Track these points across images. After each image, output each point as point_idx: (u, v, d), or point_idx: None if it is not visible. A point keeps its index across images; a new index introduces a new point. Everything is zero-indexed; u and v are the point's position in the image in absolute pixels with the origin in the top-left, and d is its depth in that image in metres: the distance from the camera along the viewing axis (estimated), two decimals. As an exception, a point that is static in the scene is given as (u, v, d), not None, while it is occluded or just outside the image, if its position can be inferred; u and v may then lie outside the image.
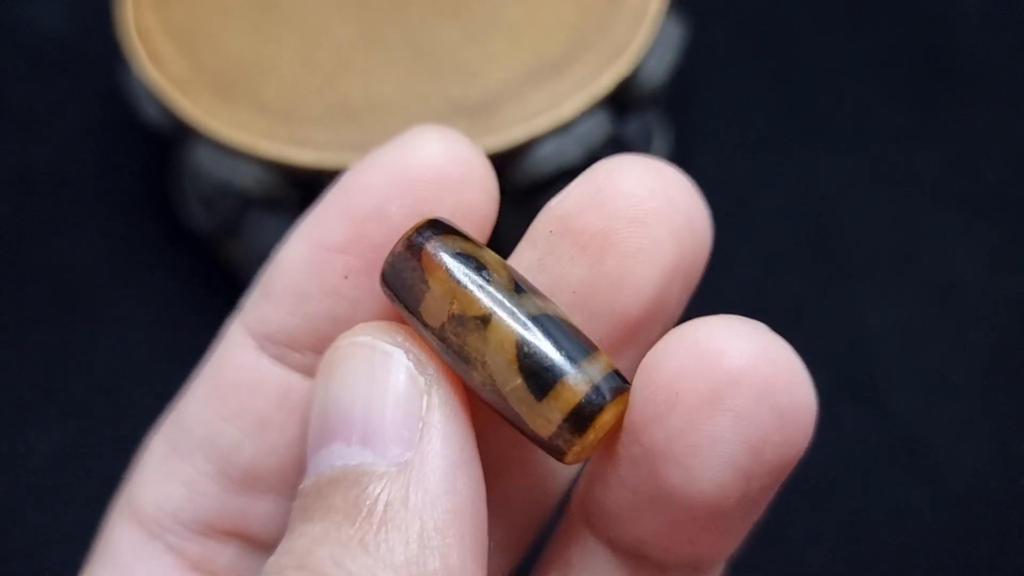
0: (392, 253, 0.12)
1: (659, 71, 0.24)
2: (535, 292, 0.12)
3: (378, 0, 0.24)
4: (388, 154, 0.13)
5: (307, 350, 0.14)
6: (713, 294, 0.27)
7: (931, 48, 0.31)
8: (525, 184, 0.23)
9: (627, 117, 0.25)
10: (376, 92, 0.23)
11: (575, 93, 0.22)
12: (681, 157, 0.29)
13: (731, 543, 0.13)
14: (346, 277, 0.13)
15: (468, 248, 0.12)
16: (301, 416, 0.14)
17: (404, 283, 0.12)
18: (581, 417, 0.11)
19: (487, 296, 0.12)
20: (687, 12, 0.28)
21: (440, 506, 0.11)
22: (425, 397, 0.12)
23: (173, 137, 0.25)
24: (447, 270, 0.12)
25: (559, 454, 0.12)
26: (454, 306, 0.12)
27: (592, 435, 0.12)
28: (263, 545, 0.14)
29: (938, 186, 0.28)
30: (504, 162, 0.22)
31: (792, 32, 0.31)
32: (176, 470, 0.14)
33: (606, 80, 0.23)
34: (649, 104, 0.25)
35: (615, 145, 0.25)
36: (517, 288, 0.12)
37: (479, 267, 0.12)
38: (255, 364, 0.14)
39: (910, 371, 0.26)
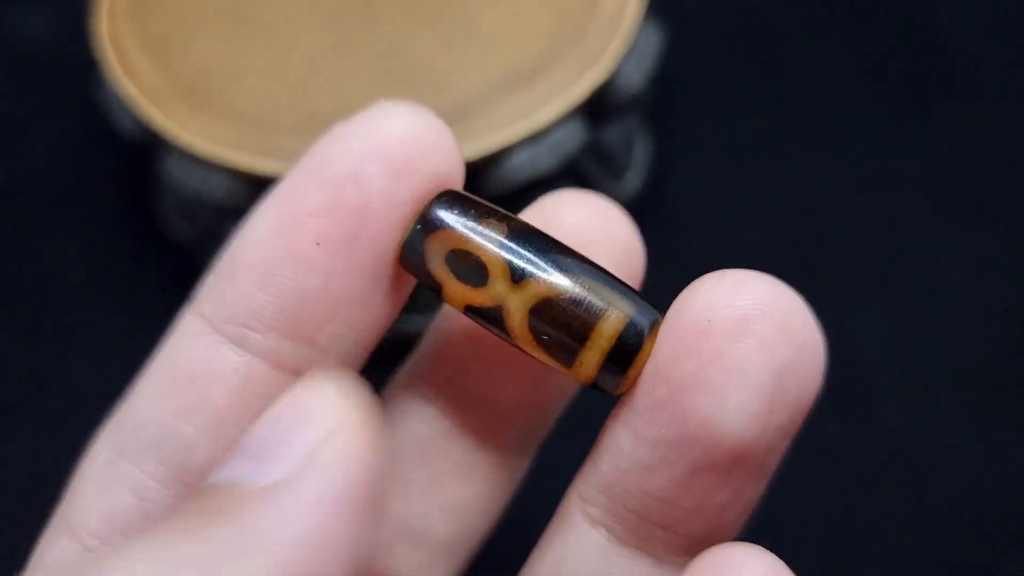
0: (411, 230, 0.13)
1: (636, 78, 0.24)
2: (556, 245, 0.13)
3: (352, 9, 0.24)
4: (358, 123, 0.13)
5: (271, 331, 0.13)
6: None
7: (919, 53, 0.30)
8: (499, 193, 0.22)
9: (606, 124, 0.25)
10: (348, 101, 0.23)
11: (549, 101, 0.22)
12: (665, 164, 0.28)
13: (737, 512, 0.14)
14: (318, 244, 0.13)
15: (485, 219, 0.13)
16: (261, 407, 0.12)
17: (418, 274, 0.13)
18: (623, 354, 0.13)
19: (512, 256, 0.13)
20: (670, 18, 0.28)
21: (290, 541, 0.10)
22: (327, 427, 0.11)
23: (147, 147, 0.24)
24: (450, 271, 0.13)
25: (612, 379, 0.13)
26: (467, 299, 0.13)
27: (634, 371, 0.13)
28: None
29: (926, 193, 0.28)
30: (477, 171, 0.22)
31: (779, 38, 0.31)
32: (122, 476, 0.13)
33: (581, 87, 0.22)
34: (628, 111, 0.25)
35: (594, 152, 0.25)
36: (538, 247, 0.13)
37: (477, 261, 0.13)
38: (211, 353, 0.13)
39: (898, 380, 0.25)
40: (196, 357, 0.13)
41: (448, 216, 0.13)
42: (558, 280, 0.13)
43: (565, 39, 0.23)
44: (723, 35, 0.31)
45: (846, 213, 0.28)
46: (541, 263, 0.13)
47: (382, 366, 0.16)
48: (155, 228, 0.28)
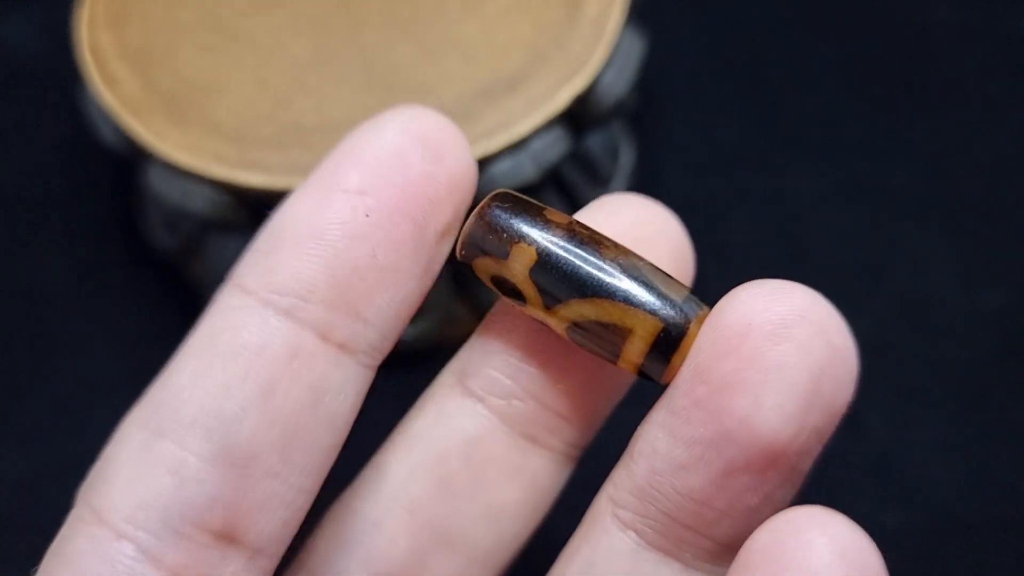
0: (469, 228, 0.14)
1: (619, 86, 0.23)
2: (603, 241, 0.14)
3: (333, 19, 0.24)
4: (389, 118, 0.14)
5: (320, 303, 0.13)
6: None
7: (904, 60, 0.30)
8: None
9: (589, 132, 0.25)
10: (328, 112, 0.22)
11: (531, 110, 0.22)
12: (650, 172, 0.28)
13: (767, 511, 0.14)
14: (368, 216, 0.13)
15: (500, 269, 0.14)
16: (309, 379, 0.13)
17: (489, 244, 0.14)
18: (669, 340, 0.13)
19: (541, 282, 0.14)
20: (654, 25, 0.27)
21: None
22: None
23: (129, 158, 0.24)
24: (528, 245, 0.14)
25: (659, 364, 0.14)
26: (535, 260, 0.14)
27: (678, 358, 0.13)
28: (249, 547, 0.13)
29: (913, 199, 0.28)
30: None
31: (764, 45, 0.31)
32: (160, 457, 0.13)
33: (563, 96, 0.22)
34: (611, 119, 0.25)
35: (577, 161, 0.25)
36: (588, 243, 0.14)
37: (513, 287, 0.14)
38: (260, 322, 0.13)
39: (884, 388, 0.25)
40: (243, 327, 0.13)
41: (478, 244, 0.14)
42: (586, 309, 0.13)
43: (547, 47, 0.23)
44: (707, 43, 0.31)
45: (830, 220, 0.28)
46: (572, 288, 0.14)
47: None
48: (139, 238, 0.28)
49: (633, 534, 0.14)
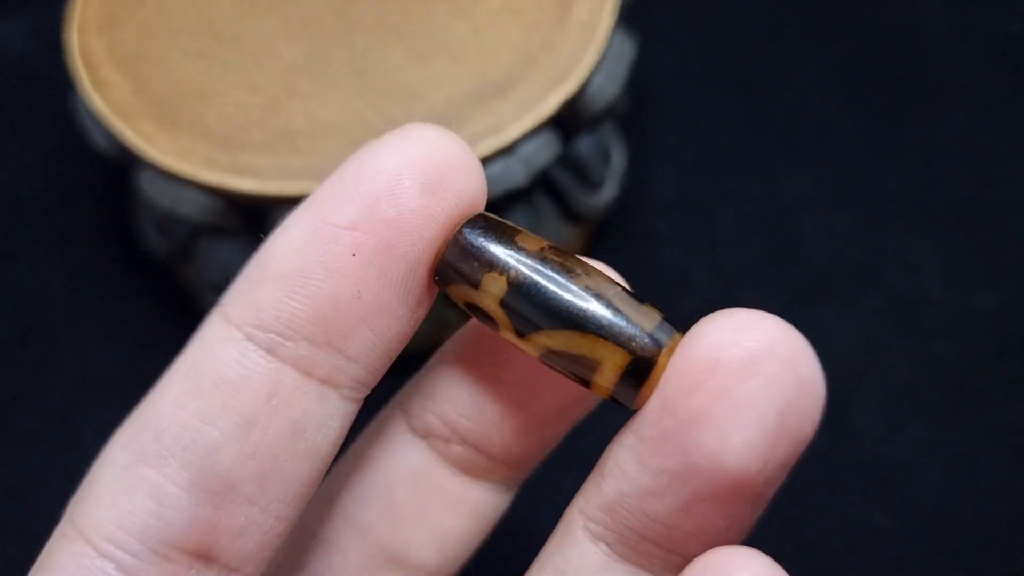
0: (444, 253, 0.13)
1: (609, 89, 0.23)
2: (575, 268, 0.13)
3: (323, 23, 0.24)
4: (390, 141, 0.13)
5: (303, 340, 0.13)
6: (673, 312, 0.27)
7: (895, 61, 0.30)
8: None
9: (579, 136, 0.25)
10: (318, 116, 0.22)
11: (520, 114, 0.22)
12: (642, 174, 0.28)
13: (733, 538, 0.14)
14: (354, 255, 0.13)
15: (473, 297, 0.13)
16: (290, 415, 0.13)
17: (460, 271, 0.13)
18: (638, 371, 0.13)
19: (513, 310, 0.13)
20: (645, 28, 0.27)
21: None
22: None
23: (121, 163, 0.24)
24: (500, 274, 0.13)
25: (629, 393, 0.13)
26: (506, 291, 0.13)
27: (648, 388, 0.13)
28: (226, 567, 0.13)
29: (902, 201, 0.28)
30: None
31: (755, 47, 0.31)
32: (141, 481, 0.13)
33: (553, 100, 0.22)
34: (601, 122, 0.25)
35: (567, 164, 0.25)
36: (560, 271, 0.13)
37: (486, 314, 0.13)
38: (241, 358, 0.13)
39: (873, 388, 0.25)
40: (224, 361, 0.13)
41: (454, 271, 0.13)
42: (557, 339, 0.13)
43: (537, 50, 0.23)
44: (699, 45, 0.31)
45: (820, 221, 0.28)
46: (543, 317, 0.13)
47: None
48: (133, 242, 0.28)
49: (604, 546, 0.14)
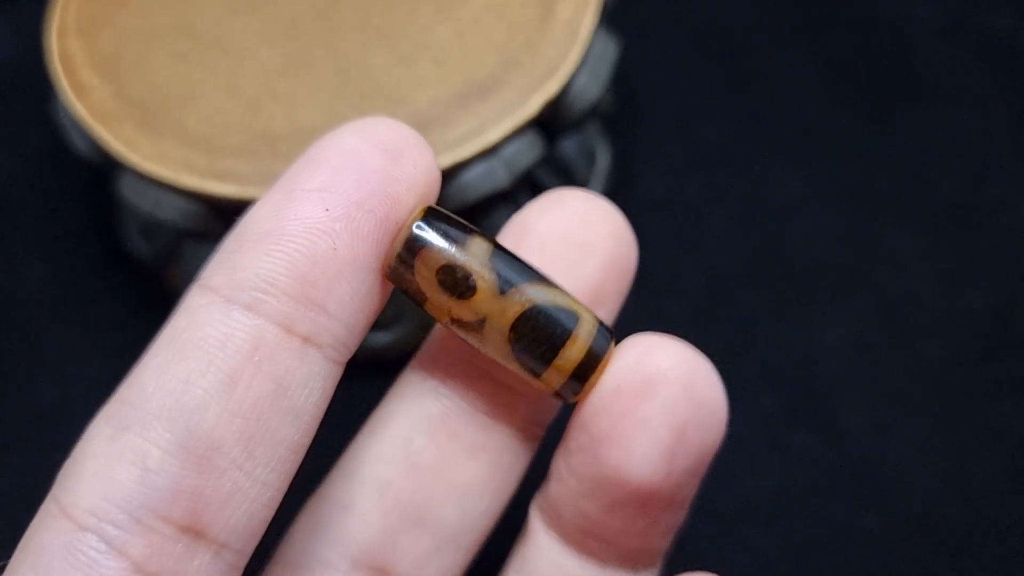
0: (393, 253, 0.14)
1: (592, 89, 0.23)
2: (526, 273, 0.14)
3: (306, 25, 0.24)
4: (350, 126, 0.14)
5: (283, 295, 0.13)
6: (662, 312, 0.27)
7: (883, 60, 0.30)
8: (453, 208, 0.22)
9: (563, 136, 0.24)
10: (300, 119, 0.22)
11: (503, 116, 0.22)
12: (627, 174, 0.28)
13: (660, 533, 0.16)
14: (327, 210, 0.13)
15: (456, 257, 0.14)
16: (273, 371, 0.13)
17: (406, 286, 0.14)
18: (586, 368, 0.14)
19: (483, 301, 0.14)
20: (631, 26, 0.27)
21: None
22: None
23: (102, 167, 0.24)
24: (438, 284, 0.14)
25: (568, 396, 0.15)
26: (451, 312, 0.14)
27: (593, 379, 0.15)
28: (214, 541, 0.13)
29: (892, 200, 0.28)
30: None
31: (742, 46, 0.31)
32: (124, 449, 0.13)
33: (535, 102, 0.22)
34: (585, 122, 0.25)
35: (552, 165, 0.25)
36: (519, 264, 0.14)
37: (466, 276, 0.14)
38: (223, 317, 0.13)
39: (863, 390, 0.25)
40: (206, 322, 0.13)
41: (434, 234, 0.14)
42: (541, 293, 0.14)
43: (520, 51, 0.23)
44: (685, 43, 0.31)
45: (809, 221, 0.28)
46: (525, 277, 0.14)
47: (351, 381, 0.16)
48: (118, 245, 0.28)
49: (557, 538, 0.16)
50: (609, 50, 0.24)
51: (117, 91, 0.23)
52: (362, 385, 0.18)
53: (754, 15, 0.31)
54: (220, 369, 0.13)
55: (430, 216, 0.14)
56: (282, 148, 0.22)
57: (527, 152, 0.22)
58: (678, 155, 0.29)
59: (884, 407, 0.25)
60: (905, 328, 0.26)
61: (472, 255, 0.14)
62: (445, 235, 0.14)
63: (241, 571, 0.14)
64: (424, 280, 0.14)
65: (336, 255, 0.13)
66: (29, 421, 0.26)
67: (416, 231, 0.14)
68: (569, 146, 0.25)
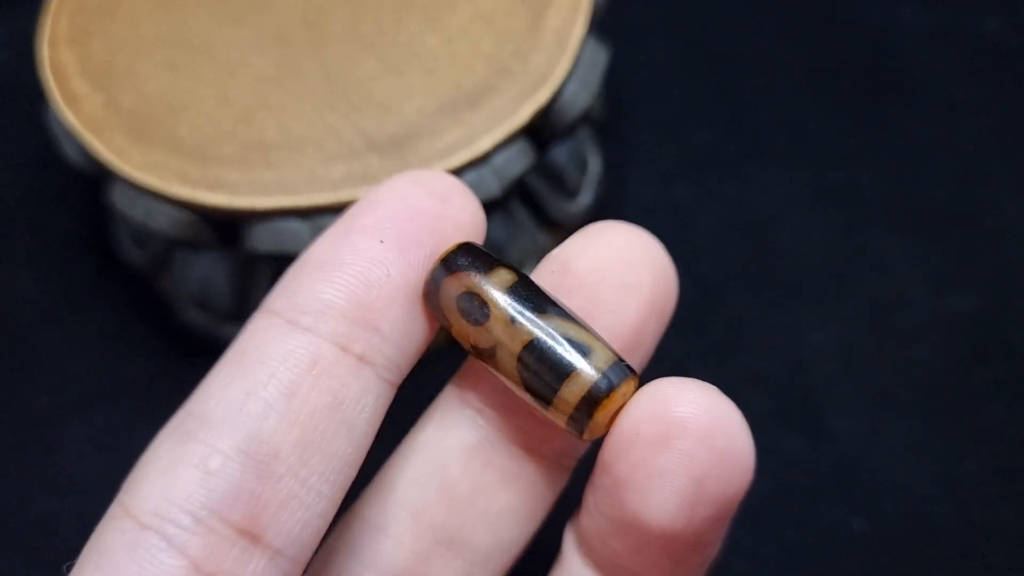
0: (429, 280, 0.15)
1: (582, 97, 0.23)
2: (543, 305, 0.15)
3: (295, 34, 0.24)
4: (399, 178, 0.16)
5: (340, 317, 0.14)
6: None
7: (871, 63, 0.30)
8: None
9: (554, 144, 0.25)
10: (290, 128, 0.22)
11: (493, 125, 0.22)
12: (618, 179, 0.28)
13: (690, 571, 0.16)
14: (381, 242, 0.15)
15: (475, 284, 0.15)
16: (329, 386, 0.14)
17: (435, 311, 0.15)
18: (591, 402, 0.14)
19: (495, 328, 0.15)
20: (621, 32, 0.27)
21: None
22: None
23: (94, 176, 0.24)
24: (457, 310, 0.15)
25: (579, 432, 0.15)
26: (470, 338, 0.15)
27: (600, 416, 0.14)
28: (270, 547, 0.14)
29: (880, 204, 0.28)
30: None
31: (731, 51, 0.31)
32: (188, 453, 0.14)
33: (525, 110, 0.22)
34: (576, 130, 0.25)
35: (543, 172, 0.25)
36: (534, 299, 0.15)
37: (482, 303, 0.15)
38: (283, 337, 0.14)
39: (852, 393, 0.25)
40: (267, 342, 0.14)
41: (460, 263, 0.15)
42: (552, 324, 0.14)
43: (509, 60, 0.23)
44: (675, 49, 0.31)
45: (798, 224, 0.28)
46: (537, 308, 0.14)
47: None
48: (111, 252, 0.28)
49: (592, 566, 0.16)
50: (599, 57, 0.24)
51: (108, 100, 0.23)
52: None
53: (743, 20, 0.31)
54: (280, 382, 0.14)
55: (462, 249, 0.15)
56: (273, 157, 0.22)
57: (518, 161, 0.22)
58: (668, 160, 0.29)
59: (873, 410, 0.25)
60: (893, 331, 0.26)
61: (491, 284, 0.15)
62: (470, 265, 0.15)
63: None
64: (447, 306, 0.15)
65: (389, 281, 0.15)
66: (21, 427, 0.26)
67: (445, 260, 0.15)
68: (560, 153, 0.25)
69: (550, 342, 0.14)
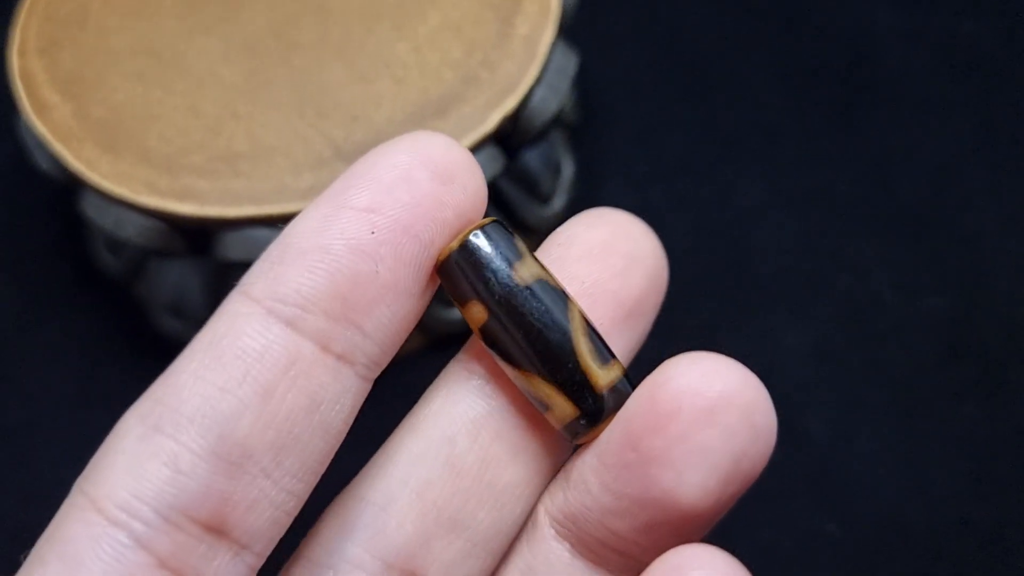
0: (447, 251, 0.14)
1: (551, 103, 0.23)
2: (563, 308, 0.14)
3: (265, 44, 0.24)
4: (401, 142, 0.14)
5: (322, 314, 0.13)
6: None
7: (845, 66, 0.30)
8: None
9: (525, 150, 0.25)
10: (259, 138, 0.22)
11: (461, 132, 0.22)
12: (592, 183, 0.28)
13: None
14: (373, 233, 0.14)
15: (511, 272, 0.14)
16: (307, 387, 0.13)
17: (455, 284, 0.14)
18: (596, 415, 0.14)
19: (514, 305, 0.14)
20: (593, 37, 0.27)
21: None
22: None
23: (65, 185, 0.24)
24: (477, 299, 0.14)
25: (572, 438, 0.15)
26: (487, 319, 0.14)
27: (602, 428, 0.14)
28: (236, 543, 0.13)
29: (853, 206, 0.28)
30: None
31: (704, 55, 0.31)
32: (157, 449, 0.13)
33: (493, 118, 0.22)
34: (546, 135, 0.25)
35: (515, 177, 0.25)
36: (541, 300, 0.14)
37: (498, 297, 0.14)
38: (263, 330, 0.13)
39: (825, 396, 0.25)
40: (246, 333, 0.13)
41: (487, 244, 0.14)
42: (516, 378, 0.14)
43: (478, 68, 0.23)
44: (648, 53, 0.31)
45: (772, 228, 0.28)
46: (511, 355, 0.14)
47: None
48: (86, 260, 0.28)
49: (568, 546, 0.16)
50: (569, 63, 0.24)
51: (78, 110, 0.23)
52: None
53: (715, 24, 0.31)
54: (256, 380, 0.13)
55: (492, 228, 0.14)
56: (242, 167, 0.22)
57: (487, 166, 0.23)
58: (641, 164, 0.29)
59: (846, 412, 0.25)
60: (866, 333, 0.26)
61: (469, 314, 0.14)
62: (496, 248, 0.14)
63: (256, 572, 0.14)
64: (464, 288, 0.14)
65: (377, 278, 0.14)
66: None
67: (473, 238, 0.14)
68: (533, 158, 0.25)
69: (554, 362, 0.14)
